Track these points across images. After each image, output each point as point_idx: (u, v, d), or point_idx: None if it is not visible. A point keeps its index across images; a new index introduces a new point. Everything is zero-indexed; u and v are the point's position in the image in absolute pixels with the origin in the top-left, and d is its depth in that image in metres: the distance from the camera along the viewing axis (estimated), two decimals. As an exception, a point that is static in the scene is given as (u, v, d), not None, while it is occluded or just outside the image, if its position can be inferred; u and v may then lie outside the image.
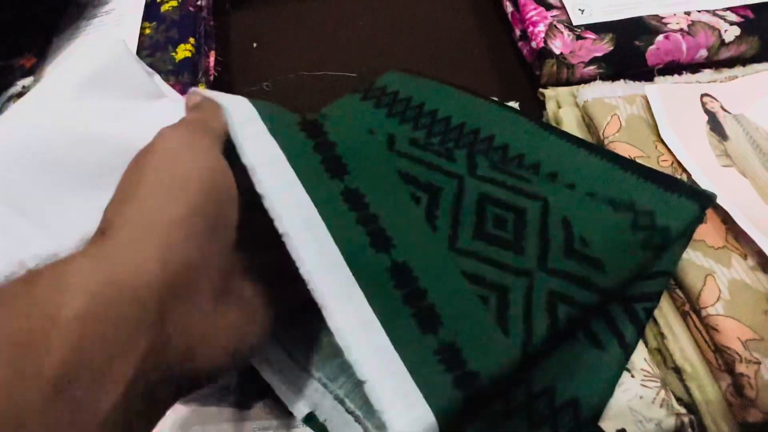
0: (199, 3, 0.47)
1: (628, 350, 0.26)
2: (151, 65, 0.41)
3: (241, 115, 0.24)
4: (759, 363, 0.25)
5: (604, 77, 0.39)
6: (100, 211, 0.33)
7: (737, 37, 0.39)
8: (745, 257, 0.29)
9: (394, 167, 0.28)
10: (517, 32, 0.44)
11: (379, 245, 0.23)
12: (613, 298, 0.27)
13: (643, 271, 0.28)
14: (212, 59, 0.44)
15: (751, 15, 0.41)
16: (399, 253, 0.23)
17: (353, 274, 0.22)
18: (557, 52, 0.39)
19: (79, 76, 0.36)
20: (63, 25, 0.46)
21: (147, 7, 0.46)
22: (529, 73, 0.44)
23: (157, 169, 0.20)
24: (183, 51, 0.42)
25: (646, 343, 0.29)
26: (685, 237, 0.29)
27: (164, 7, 0.46)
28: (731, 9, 0.41)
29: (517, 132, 0.33)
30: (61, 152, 0.34)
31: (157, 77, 0.39)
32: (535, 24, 0.41)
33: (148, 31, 0.44)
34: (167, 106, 0.37)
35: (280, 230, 0.21)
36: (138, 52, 0.42)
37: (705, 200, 0.29)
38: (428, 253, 0.25)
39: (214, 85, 0.44)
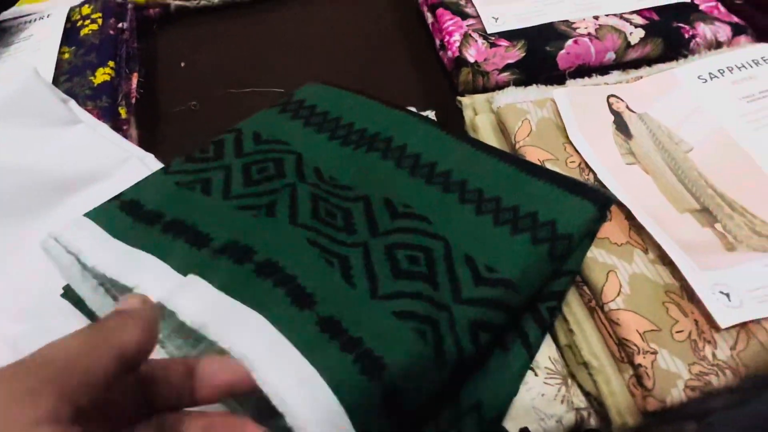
0: (120, 26, 0.46)
1: (531, 350, 0.26)
2: (68, 90, 0.40)
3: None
4: (656, 353, 0.26)
5: (518, 83, 0.40)
6: (9, 243, 0.33)
7: (642, 39, 0.41)
8: (646, 251, 0.30)
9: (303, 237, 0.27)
10: (438, 42, 0.45)
11: (302, 302, 0.23)
12: (523, 308, 0.28)
13: (551, 277, 0.29)
14: (134, 81, 0.44)
15: (656, 17, 0.43)
16: (324, 310, 0.23)
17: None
18: (471, 60, 0.40)
19: (-14, 107, 0.35)
20: (-20, 53, 0.46)
21: (66, 31, 0.45)
22: (451, 81, 0.45)
23: None
24: (102, 75, 0.41)
25: (557, 340, 0.30)
26: (589, 237, 0.30)
27: (84, 31, 0.45)
28: (638, 12, 0.43)
29: (430, 142, 0.34)
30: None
31: (73, 103, 0.39)
32: (451, 33, 0.42)
33: (67, 55, 0.44)
34: (82, 132, 0.37)
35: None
36: (55, 78, 0.41)
37: (605, 201, 0.31)
38: (345, 298, 0.24)
39: (137, 107, 0.44)
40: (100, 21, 0.46)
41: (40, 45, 0.44)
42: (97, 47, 0.43)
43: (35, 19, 0.47)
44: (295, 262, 0.25)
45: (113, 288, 0.27)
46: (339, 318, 0.22)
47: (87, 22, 0.46)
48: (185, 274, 0.24)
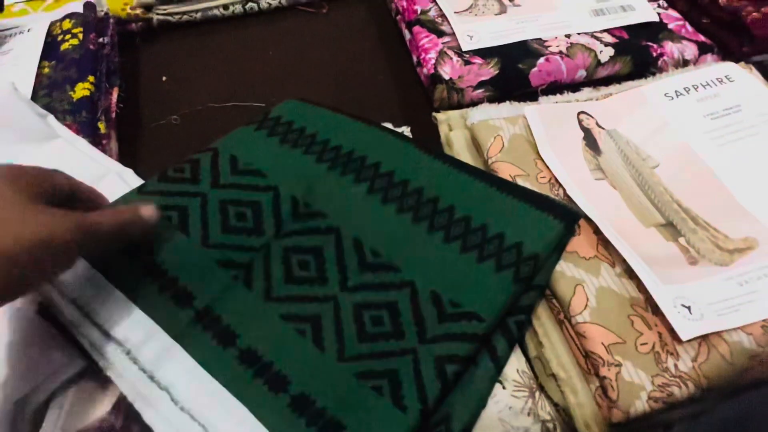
0: (101, 40, 0.47)
1: (499, 364, 0.27)
2: (47, 105, 0.41)
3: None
4: (620, 365, 0.27)
5: (492, 99, 0.41)
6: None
7: (612, 57, 0.42)
8: (613, 265, 0.31)
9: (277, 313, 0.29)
10: (415, 59, 0.46)
11: (278, 387, 0.26)
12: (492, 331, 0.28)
13: (519, 294, 0.29)
14: (115, 96, 0.44)
15: (626, 36, 0.44)
16: (296, 387, 0.26)
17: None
18: (446, 77, 0.41)
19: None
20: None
21: (47, 45, 0.46)
22: (428, 97, 0.46)
23: None
24: (81, 90, 0.42)
25: (526, 352, 0.30)
26: (557, 252, 0.31)
27: (64, 46, 0.45)
28: (608, 30, 0.44)
29: (404, 158, 0.34)
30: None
31: (51, 118, 0.39)
32: (426, 51, 0.43)
33: (46, 70, 0.44)
34: (60, 146, 0.37)
35: None
36: (35, 92, 0.42)
37: (573, 217, 0.31)
38: (315, 368, 0.26)
39: (118, 121, 0.44)
40: (80, 36, 0.46)
41: (20, 59, 0.45)
42: (77, 62, 0.44)
43: (15, 33, 0.47)
44: (272, 347, 0.27)
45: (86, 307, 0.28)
46: (308, 393, 0.25)
47: (68, 36, 0.46)
48: (170, 332, 0.27)
